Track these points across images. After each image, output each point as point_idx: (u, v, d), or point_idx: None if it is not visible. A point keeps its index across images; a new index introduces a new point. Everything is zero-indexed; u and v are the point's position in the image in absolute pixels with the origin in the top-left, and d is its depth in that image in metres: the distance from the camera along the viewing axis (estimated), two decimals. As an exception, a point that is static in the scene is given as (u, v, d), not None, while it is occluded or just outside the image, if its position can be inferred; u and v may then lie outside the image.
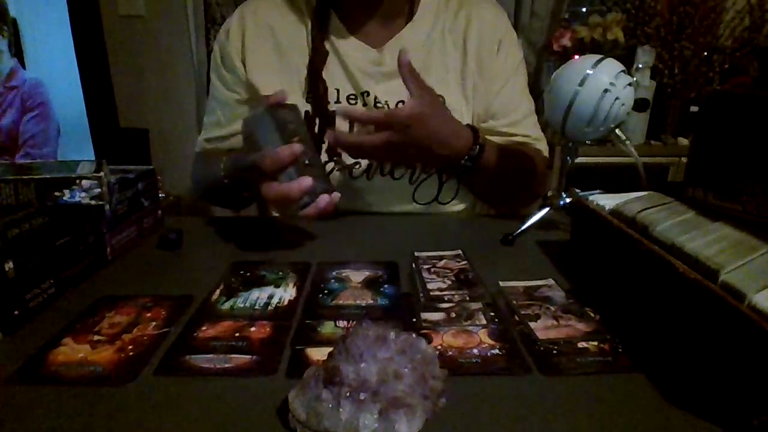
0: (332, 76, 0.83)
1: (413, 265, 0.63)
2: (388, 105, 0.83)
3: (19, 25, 2.40)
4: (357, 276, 0.60)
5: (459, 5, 0.87)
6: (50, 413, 0.38)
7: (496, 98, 0.87)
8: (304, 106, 0.83)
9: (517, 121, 0.88)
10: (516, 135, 0.88)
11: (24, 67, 2.36)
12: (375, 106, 0.83)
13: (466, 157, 0.76)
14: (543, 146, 0.92)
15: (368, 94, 0.83)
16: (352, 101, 0.84)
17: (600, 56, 0.66)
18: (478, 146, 0.76)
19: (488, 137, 0.87)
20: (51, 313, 0.53)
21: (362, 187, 0.85)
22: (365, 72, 0.83)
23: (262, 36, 0.84)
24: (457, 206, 0.90)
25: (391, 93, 0.83)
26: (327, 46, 0.83)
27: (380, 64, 0.84)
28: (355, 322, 0.49)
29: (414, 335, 0.39)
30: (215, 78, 0.88)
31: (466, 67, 0.86)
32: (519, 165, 0.85)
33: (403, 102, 0.83)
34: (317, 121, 0.82)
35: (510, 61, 0.88)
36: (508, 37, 0.89)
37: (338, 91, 0.83)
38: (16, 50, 2.35)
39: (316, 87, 0.82)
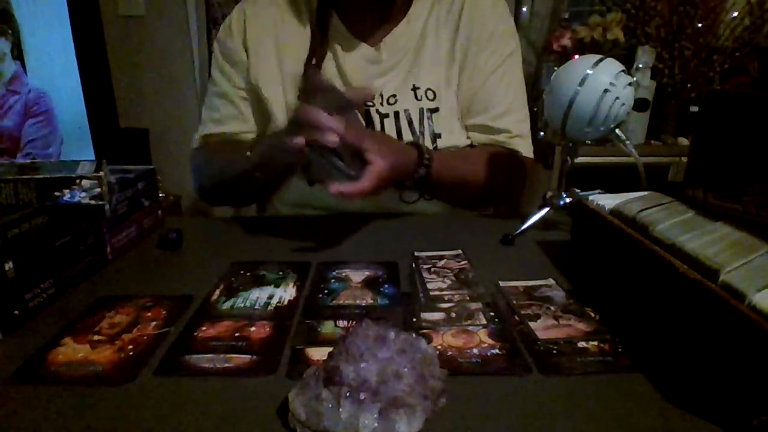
0: (327, 72, 0.84)
1: (413, 265, 0.63)
2: (382, 97, 0.84)
3: (19, 25, 2.38)
4: (357, 276, 0.60)
5: None
6: (50, 413, 0.38)
7: (479, 92, 0.85)
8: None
9: (497, 116, 0.86)
10: (495, 130, 0.86)
11: (25, 69, 2.33)
12: (365, 104, 0.83)
13: (413, 177, 0.74)
14: (523, 144, 0.88)
15: None
16: None
17: (600, 56, 0.66)
18: (423, 167, 0.74)
19: (469, 133, 0.88)
20: (51, 313, 0.53)
21: None
22: (360, 70, 0.84)
23: (263, 32, 0.85)
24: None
25: (384, 87, 0.84)
26: (326, 43, 0.84)
27: (377, 61, 0.85)
28: (355, 322, 0.49)
29: (414, 335, 0.39)
30: (217, 74, 0.88)
31: (453, 55, 0.85)
32: (485, 171, 0.82)
33: (395, 96, 0.84)
34: None
35: (498, 54, 0.86)
36: (501, 29, 0.86)
37: None
38: (18, 52, 2.31)
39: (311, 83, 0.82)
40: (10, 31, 2.23)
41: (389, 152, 0.66)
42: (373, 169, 0.63)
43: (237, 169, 0.80)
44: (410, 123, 0.84)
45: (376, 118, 0.83)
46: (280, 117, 0.83)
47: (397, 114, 0.84)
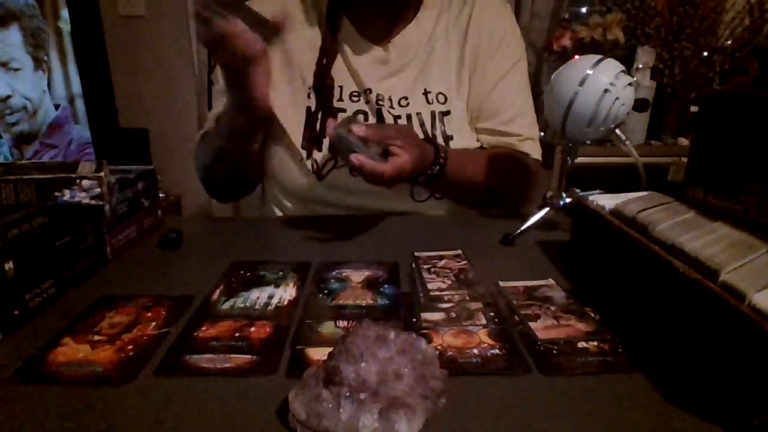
0: (336, 73, 0.84)
1: (413, 265, 0.63)
2: (391, 100, 0.85)
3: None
4: (357, 276, 0.60)
5: (464, 0, 0.88)
6: (50, 413, 0.38)
7: (488, 97, 0.87)
8: (307, 102, 0.84)
9: (508, 120, 0.87)
10: (506, 134, 0.87)
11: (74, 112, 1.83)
12: (377, 102, 0.84)
13: (427, 174, 0.74)
14: (532, 147, 0.89)
15: (371, 91, 0.85)
16: (355, 98, 0.85)
17: (600, 56, 0.66)
18: (438, 165, 0.74)
19: (480, 136, 0.89)
20: (51, 313, 0.53)
21: (361, 186, 0.85)
22: (370, 70, 0.85)
23: None
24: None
25: (394, 89, 0.85)
26: (335, 45, 0.85)
27: (385, 62, 0.85)
28: (355, 322, 0.49)
29: (414, 335, 0.39)
30: (221, 72, 0.89)
31: (463, 62, 0.87)
32: (495, 172, 0.83)
33: (406, 98, 0.85)
34: (320, 115, 0.83)
35: (506, 60, 0.87)
36: (508, 36, 0.88)
37: (341, 88, 0.85)
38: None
39: (323, 83, 0.83)
40: (45, 58, 1.72)
41: (413, 147, 0.68)
42: (397, 161, 0.65)
43: (214, 148, 0.82)
44: (422, 125, 0.84)
45: (389, 119, 0.84)
46: (284, 117, 0.83)
47: (409, 116, 0.84)
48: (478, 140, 0.89)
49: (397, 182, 0.67)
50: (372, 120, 0.84)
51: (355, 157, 0.62)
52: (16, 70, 1.66)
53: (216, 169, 0.87)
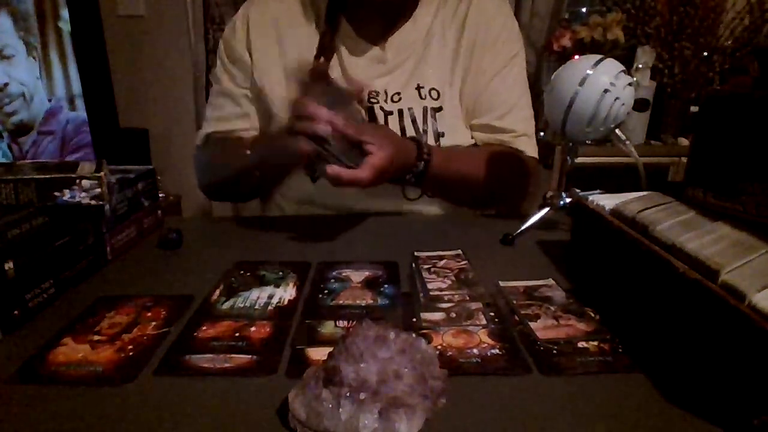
0: (332, 73, 0.84)
1: (413, 265, 0.63)
2: (386, 93, 0.85)
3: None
4: (357, 276, 0.60)
5: None
6: (50, 413, 0.38)
7: (484, 92, 0.86)
8: None
9: (502, 115, 0.86)
10: (499, 130, 0.86)
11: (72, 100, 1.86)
12: (369, 101, 0.84)
13: (412, 171, 0.74)
14: (527, 144, 0.88)
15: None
16: None
17: (600, 56, 0.66)
18: (422, 161, 0.74)
19: (474, 134, 0.88)
20: (51, 313, 0.53)
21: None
22: (366, 70, 0.85)
23: (267, 32, 0.86)
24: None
25: (389, 85, 0.85)
26: (333, 45, 0.85)
27: (382, 60, 0.86)
28: (355, 322, 0.49)
29: (414, 335, 0.39)
30: (222, 73, 0.89)
31: (458, 57, 0.86)
32: (485, 169, 0.82)
33: (399, 94, 0.85)
34: None
35: (503, 55, 0.87)
36: (506, 31, 0.87)
37: None
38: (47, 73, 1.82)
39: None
40: (37, 45, 1.74)
41: (389, 145, 0.67)
42: (371, 160, 0.64)
43: (236, 166, 0.80)
44: (414, 121, 0.84)
45: (380, 115, 0.84)
46: (283, 116, 0.83)
47: (401, 112, 0.84)
48: (472, 138, 0.88)
49: (379, 183, 0.66)
50: (361, 112, 0.83)
51: (330, 169, 0.61)
52: (10, 57, 1.67)
53: (238, 185, 0.87)
